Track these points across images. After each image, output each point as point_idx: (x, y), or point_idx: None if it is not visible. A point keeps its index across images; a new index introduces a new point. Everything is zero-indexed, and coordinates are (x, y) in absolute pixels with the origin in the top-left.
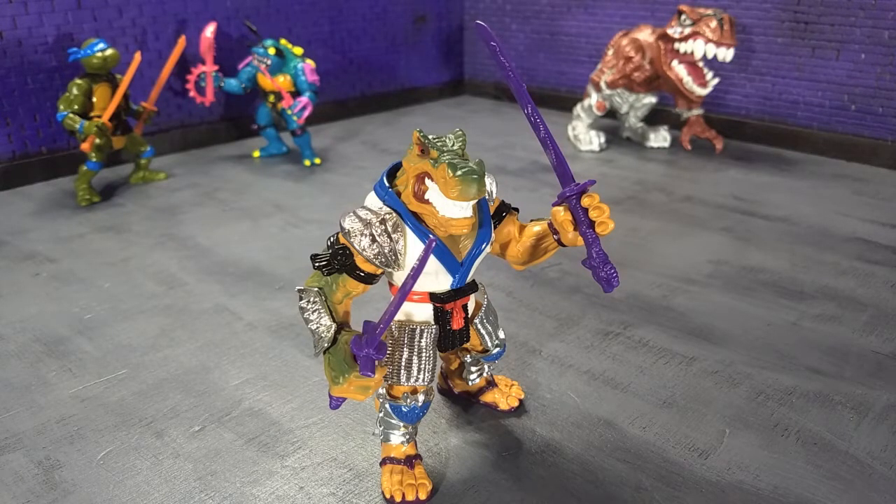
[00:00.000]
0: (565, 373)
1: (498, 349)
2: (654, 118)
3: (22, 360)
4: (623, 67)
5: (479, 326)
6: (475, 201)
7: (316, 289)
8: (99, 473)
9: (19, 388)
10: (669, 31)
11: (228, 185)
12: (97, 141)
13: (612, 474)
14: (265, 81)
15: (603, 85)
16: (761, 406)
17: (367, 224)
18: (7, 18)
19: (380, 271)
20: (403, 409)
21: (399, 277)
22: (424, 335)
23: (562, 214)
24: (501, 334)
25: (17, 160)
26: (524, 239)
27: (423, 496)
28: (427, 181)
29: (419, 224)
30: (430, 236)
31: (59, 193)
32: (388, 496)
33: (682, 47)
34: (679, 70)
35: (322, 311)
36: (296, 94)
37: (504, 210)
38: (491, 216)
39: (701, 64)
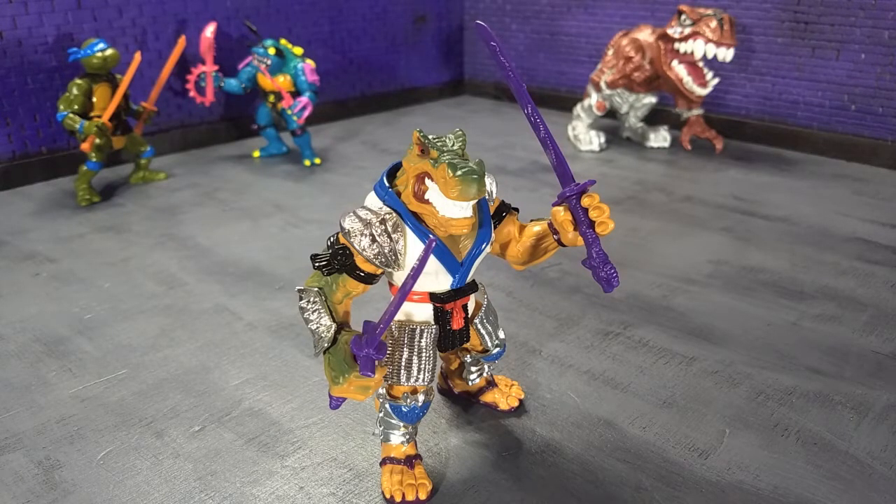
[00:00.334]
0: (565, 373)
1: (498, 349)
2: (654, 118)
3: (22, 360)
4: (623, 67)
5: (479, 326)
6: (475, 201)
7: (316, 289)
8: (99, 473)
9: (19, 388)
10: (669, 31)
11: (228, 185)
12: (97, 141)
13: (612, 474)
14: (265, 81)
15: (603, 85)
16: (761, 406)
17: (367, 224)
18: (7, 18)
19: (380, 271)
20: (403, 409)
21: (399, 277)
22: (424, 335)
23: (562, 214)
24: (501, 334)
25: (17, 160)
26: (524, 239)
27: (423, 496)
28: (427, 181)
29: (419, 224)
30: (430, 236)
31: (59, 193)
32: (388, 496)
33: (682, 47)
34: (679, 70)
35: (322, 311)
36: (296, 94)
37: (504, 210)
38: (491, 216)
39: (701, 64)
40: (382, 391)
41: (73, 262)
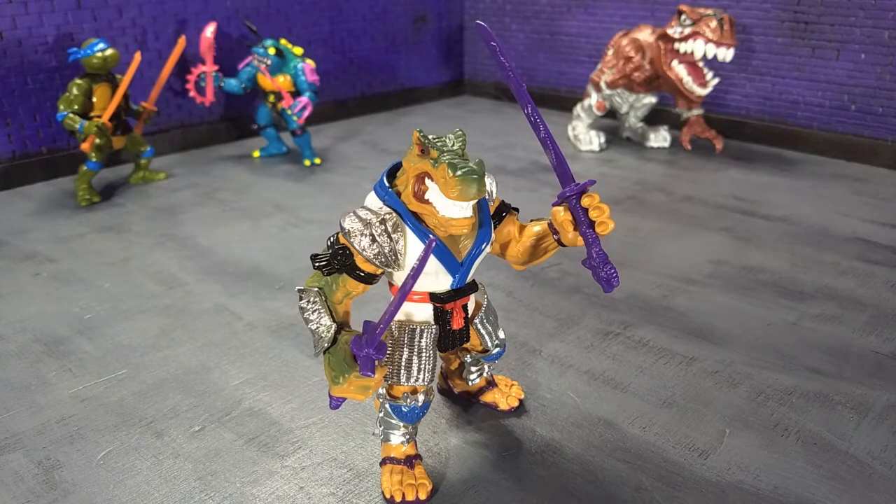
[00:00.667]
0: (565, 373)
1: (498, 349)
2: (654, 118)
3: (22, 360)
4: (623, 67)
5: (479, 326)
6: (475, 201)
7: (316, 289)
8: (99, 473)
9: (19, 388)
10: (669, 31)
11: (228, 185)
12: (97, 141)
13: (612, 474)
14: (265, 81)
15: (603, 85)
16: (761, 406)
17: (367, 224)
18: (7, 18)
19: (380, 271)
20: (403, 409)
21: (399, 277)
22: (424, 335)
23: (562, 214)
24: (501, 334)
25: (17, 160)
26: (524, 239)
27: (423, 496)
28: (427, 181)
29: (419, 224)
30: (430, 236)
31: (59, 193)
32: (388, 496)
33: (682, 47)
34: (679, 70)
35: (322, 311)
36: (296, 94)
37: (504, 210)
38: (491, 216)
39: (701, 64)
40: (382, 391)
41: (73, 262)
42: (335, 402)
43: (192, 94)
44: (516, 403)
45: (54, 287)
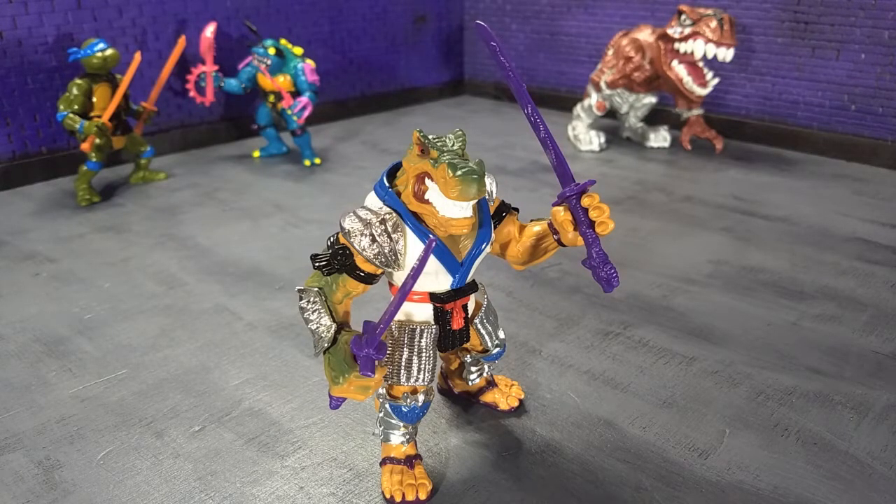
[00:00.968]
0: (565, 373)
1: (498, 349)
2: (654, 118)
3: (22, 360)
4: (623, 67)
5: (479, 326)
6: (475, 201)
7: (316, 289)
8: (99, 473)
9: (19, 388)
10: (669, 31)
11: (228, 185)
12: (97, 141)
13: (612, 474)
14: (265, 81)
15: (603, 85)
16: (761, 406)
17: (367, 224)
18: (7, 18)
19: (380, 271)
20: (403, 409)
21: (399, 277)
22: (424, 335)
23: (562, 214)
24: (501, 334)
25: (17, 160)
26: (524, 239)
27: (423, 496)
28: (427, 181)
29: (419, 224)
30: (430, 236)
31: (59, 193)
32: (388, 496)
33: (682, 47)
34: (679, 70)
35: (322, 311)
36: (296, 94)
37: (504, 210)
38: (491, 216)
39: (701, 64)
40: (382, 391)
41: (73, 262)
42: (335, 402)
43: (192, 94)
44: (516, 403)
45: (54, 287)
